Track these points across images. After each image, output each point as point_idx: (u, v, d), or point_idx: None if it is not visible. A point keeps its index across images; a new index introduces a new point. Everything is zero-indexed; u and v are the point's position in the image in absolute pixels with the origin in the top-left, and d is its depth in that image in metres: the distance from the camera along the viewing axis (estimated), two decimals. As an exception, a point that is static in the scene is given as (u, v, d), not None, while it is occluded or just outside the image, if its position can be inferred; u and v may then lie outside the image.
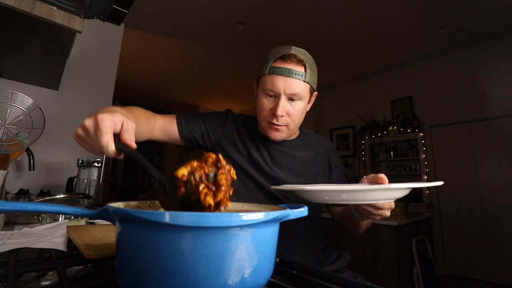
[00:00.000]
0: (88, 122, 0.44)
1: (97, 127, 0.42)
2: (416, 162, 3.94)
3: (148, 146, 6.43)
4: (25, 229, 0.59)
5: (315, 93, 0.83)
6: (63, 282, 0.32)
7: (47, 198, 0.98)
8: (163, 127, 0.81)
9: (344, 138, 4.91)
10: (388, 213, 0.61)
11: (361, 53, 3.88)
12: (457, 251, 3.45)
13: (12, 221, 0.80)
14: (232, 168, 0.40)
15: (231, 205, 0.47)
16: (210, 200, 0.36)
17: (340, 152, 4.85)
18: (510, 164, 3.17)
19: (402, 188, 0.49)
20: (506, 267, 3.05)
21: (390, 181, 0.51)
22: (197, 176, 0.36)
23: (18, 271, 0.35)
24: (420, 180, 3.84)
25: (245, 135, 0.86)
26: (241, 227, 0.28)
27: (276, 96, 0.74)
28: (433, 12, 2.95)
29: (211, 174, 0.38)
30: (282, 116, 0.74)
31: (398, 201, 2.33)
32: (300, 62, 0.74)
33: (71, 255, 0.44)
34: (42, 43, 1.04)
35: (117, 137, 0.45)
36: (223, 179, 0.38)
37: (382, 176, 0.54)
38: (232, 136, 0.87)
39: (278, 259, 0.47)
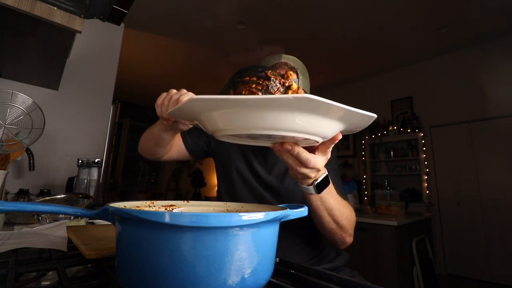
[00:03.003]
0: (173, 90, 0.59)
1: (180, 90, 0.58)
2: (416, 162, 3.94)
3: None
4: (25, 229, 0.59)
5: None
6: (63, 282, 0.32)
7: (47, 198, 0.98)
8: (174, 144, 0.84)
9: (344, 138, 4.91)
10: (311, 174, 0.51)
11: (361, 53, 3.88)
12: (457, 251, 3.45)
13: (12, 221, 0.80)
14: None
15: (230, 205, 0.47)
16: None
17: (340, 152, 4.85)
18: (510, 164, 3.17)
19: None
20: (506, 267, 3.05)
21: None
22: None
23: (18, 271, 0.35)
24: (420, 180, 3.84)
25: None
26: (241, 227, 0.28)
27: None
28: (433, 12, 2.95)
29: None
30: None
31: (398, 201, 2.33)
32: (291, 69, 0.74)
33: (71, 255, 0.44)
34: (42, 43, 1.04)
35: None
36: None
37: None
38: None
39: (278, 259, 0.47)
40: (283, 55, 0.76)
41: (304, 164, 0.49)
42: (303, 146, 0.49)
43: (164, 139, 0.71)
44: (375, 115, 0.40)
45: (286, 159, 0.50)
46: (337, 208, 0.62)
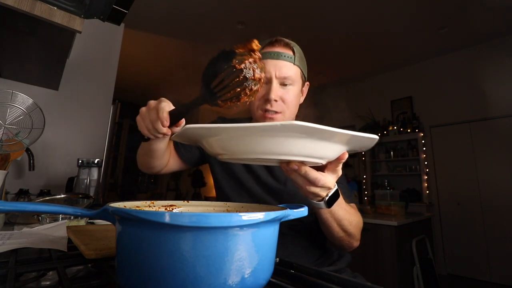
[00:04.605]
0: (152, 101, 0.54)
1: (160, 100, 0.53)
2: (416, 162, 3.94)
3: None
4: (25, 229, 0.59)
5: (307, 83, 0.81)
6: (63, 282, 0.32)
7: (47, 198, 0.99)
8: (171, 156, 0.83)
9: (344, 138, 4.91)
10: (322, 193, 0.50)
11: (361, 53, 3.87)
12: (457, 251, 3.45)
13: (12, 221, 0.80)
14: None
15: (230, 205, 0.47)
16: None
17: (340, 152, 4.84)
18: (510, 164, 3.17)
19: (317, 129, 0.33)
20: (506, 267, 3.05)
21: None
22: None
23: (18, 271, 0.35)
24: (420, 180, 3.84)
25: None
26: (241, 227, 0.28)
27: (268, 82, 0.73)
28: (433, 12, 2.95)
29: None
30: (276, 100, 0.72)
31: (398, 201, 2.33)
32: (287, 45, 0.74)
33: (71, 255, 0.44)
34: (42, 43, 1.04)
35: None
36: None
37: None
38: None
39: (278, 259, 0.47)
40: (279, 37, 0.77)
41: (313, 183, 0.47)
42: (310, 165, 0.47)
43: (156, 151, 0.69)
44: (376, 137, 0.39)
45: (295, 179, 0.48)
46: (346, 218, 0.61)
